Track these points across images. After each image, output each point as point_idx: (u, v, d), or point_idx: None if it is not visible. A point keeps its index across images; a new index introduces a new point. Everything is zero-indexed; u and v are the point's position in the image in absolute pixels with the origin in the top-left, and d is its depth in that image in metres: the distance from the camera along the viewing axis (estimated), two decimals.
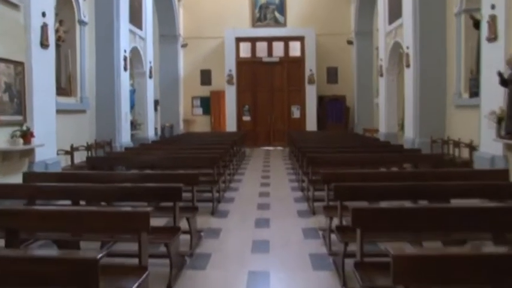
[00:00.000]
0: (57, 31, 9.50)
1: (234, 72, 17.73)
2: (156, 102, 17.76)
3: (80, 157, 9.84)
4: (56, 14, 9.31)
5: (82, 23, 10.24)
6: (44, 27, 7.42)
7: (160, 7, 17.28)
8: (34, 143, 7.08)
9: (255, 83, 18.02)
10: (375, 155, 7.28)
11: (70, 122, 9.82)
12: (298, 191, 8.13)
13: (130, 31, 12.44)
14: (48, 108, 7.60)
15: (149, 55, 14.26)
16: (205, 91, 19.14)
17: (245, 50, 17.98)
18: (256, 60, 17.96)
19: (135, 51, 13.31)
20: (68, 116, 9.74)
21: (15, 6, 6.87)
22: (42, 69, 7.39)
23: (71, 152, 9.08)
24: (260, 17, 18.63)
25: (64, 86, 9.93)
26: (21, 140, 6.74)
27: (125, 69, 11.68)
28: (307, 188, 7.25)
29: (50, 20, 7.68)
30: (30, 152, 7.13)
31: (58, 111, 8.93)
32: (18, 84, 6.88)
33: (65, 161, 9.07)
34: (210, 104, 19.09)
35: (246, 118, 18.15)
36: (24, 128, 6.76)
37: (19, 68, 6.91)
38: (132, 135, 13.11)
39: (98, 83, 11.08)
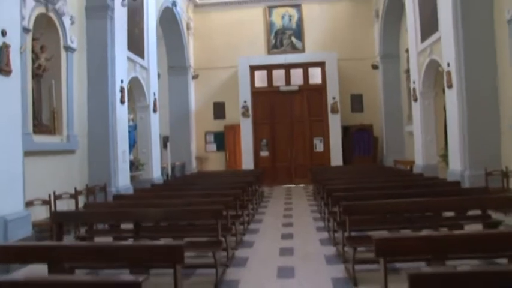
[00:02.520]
0: (37, 58, 8.13)
1: (249, 104, 16.20)
2: (166, 139, 16.37)
3: (67, 206, 8.30)
4: (35, 39, 7.97)
5: (69, 49, 8.84)
6: (3, 49, 5.96)
7: (168, 36, 16.06)
8: None
9: (273, 114, 16.42)
10: (424, 200, 5.42)
11: (54, 164, 8.30)
12: (329, 245, 6.34)
13: (129, 59, 11.06)
14: (9, 151, 6.05)
15: (153, 86, 12.83)
16: (219, 125, 17.62)
17: (261, 79, 16.47)
18: (273, 89, 16.41)
19: (136, 82, 11.91)
20: (51, 157, 8.23)
21: None
22: (1, 100, 5.89)
23: (49, 201, 7.49)
24: (276, 44, 17.23)
25: (46, 122, 8.45)
26: None
27: (122, 102, 10.21)
28: (343, 251, 5.48)
29: (14, 40, 6.24)
30: None
31: (36, 153, 7.52)
32: None
33: (45, 213, 7.51)
34: (224, 140, 17.51)
35: (264, 153, 16.46)
36: None
37: None
38: (133, 177, 11.56)
39: (89, 118, 9.61)
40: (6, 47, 6.00)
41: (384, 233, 5.66)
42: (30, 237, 6.28)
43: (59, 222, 5.22)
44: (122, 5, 9.23)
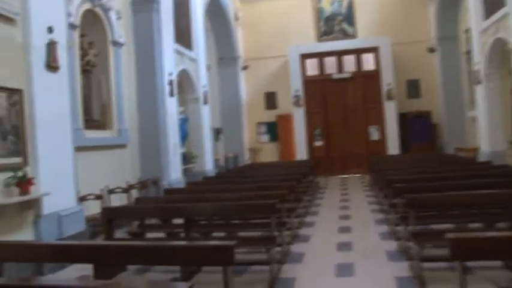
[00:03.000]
0: (86, 54, 8.13)
1: (301, 93, 15.77)
2: (219, 131, 16.28)
3: (120, 200, 8.30)
4: (83, 36, 7.96)
5: (116, 44, 8.81)
6: (50, 46, 5.92)
7: (216, 27, 15.87)
8: (39, 191, 5.52)
9: (326, 103, 15.91)
10: (497, 192, 4.83)
11: (105, 159, 8.31)
12: (391, 240, 5.90)
13: (178, 51, 10.94)
14: (60, 146, 6.03)
15: (203, 78, 12.69)
16: (271, 116, 17.31)
17: (312, 67, 15.99)
18: (325, 77, 15.89)
19: (185, 75, 11.81)
20: (103, 152, 8.24)
21: (8, 20, 5.43)
22: (49, 97, 5.87)
23: (102, 196, 7.48)
24: (326, 30, 16.63)
25: (97, 117, 8.47)
26: (16, 190, 5.18)
27: (171, 94, 10.11)
28: (407, 247, 5.04)
29: (61, 36, 6.19)
30: (35, 204, 5.56)
31: (88, 148, 7.53)
32: (13, 117, 5.37)
33: (98, 207, 7.51)
34: (276, 130, 17.19)
35: (318, 143, 16.00)
36: (20, 173, 5.19)
37: (15, 96, 5.40)
38: (186, 170, 11.51)
39: (140, 112, 9.57)
40: (53, 43, 5.95)
41: (450, 227, 5.20)
42: (84, 232, 6.27)
43: (109, 218, 5.11)
44: None
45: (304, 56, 15.86)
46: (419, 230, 4.38)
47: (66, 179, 6.09)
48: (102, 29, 8.53)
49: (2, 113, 5.20)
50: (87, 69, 8.16)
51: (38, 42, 5.76)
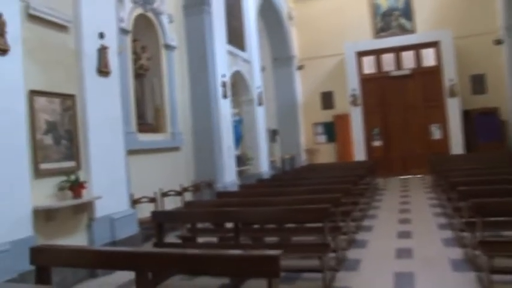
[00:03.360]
0: (139, 59, 8.22)
1: (358, 92, 15.29)
2: (275, 132, 16.14)
3: (174, 203, 8.32)
4: (136, 40, 8.05)
5: (169, 47, 8.86)
6: (101, 51, 5.98)
7: (270, 28, 15.72)
8: (92, 194, 5.58)
9: (384, 101, 15.32)
10: None
11: (160, 162, 8.36)
12: (455, 247, 5.47)
13: (230, 53, 10.89)
14: (112, 150, 6.08)
15: (257, 79, 12.59)
16: (327, 116, 16.92)
17: (369, 65, 15.46)
18: (383, 75, 15.32)
19: (239, 76, 11.75)
20: (157, 155, 8.29)
21: (62, 28, 5.52)
22: (100, 101, 5.93)
23: (155, 199, 7.51)
24: (383, 26, 16.02)
25: (151, 121, 8.54)
26: (69, 193, 5.25)
27: (225, 96, 10.06)
28: (474, 256, 4.63)
29: (112, 41, 6.25)
30: (88, 207, 5.62)
31: (142, 151, 7.60)
32: (67, 122, 5.45)
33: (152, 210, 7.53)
34: (334, 130, 16.79)
35: (377, 143, 15.44)
36: (73, 177, 5.25)
37: (68, 102, 5.49)
38: (241, 172, 11.43)
39: (193, 114, 9.59)
40: (104, 49, 6.02)
41: None
42: (137, 236, 6.29)
43: (158, 221, 5.06)
44: None
45: (361, 54, 15.37)
46: (487, 237, 3.98)
47: (118, 183, 6.12)
48: (154, 33, 8.61)
49: (56, 118, 5.29)
50: (140, 73, 8.25)
51: (90, 48, 5.83)
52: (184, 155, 9.26)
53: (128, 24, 7.61)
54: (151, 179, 7.90)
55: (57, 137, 5.28)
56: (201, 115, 9.57)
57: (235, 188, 9.69)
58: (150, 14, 8.39)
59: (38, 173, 4.97)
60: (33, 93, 5.00)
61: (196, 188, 9.04)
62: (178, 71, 9.31)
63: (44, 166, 5.04)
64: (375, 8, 16.04)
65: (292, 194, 6.41)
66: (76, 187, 5.19)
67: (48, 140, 5.15)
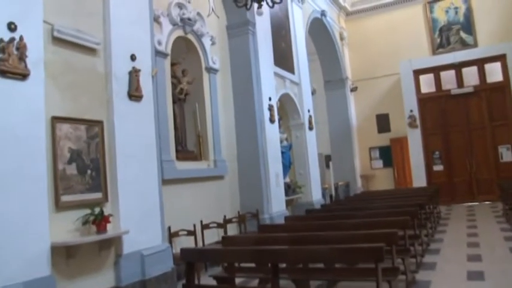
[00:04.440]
0: (179, 83, 7.87)
1: (416, 113, 14.29)
2: (328, 158, 15.36)
3: (217, 235, 7.78)
4: (175, 64, 7.71)
5: (211, 70, 8.47)
6: (133, 74, 5.61)
7: (321, 49, 15.14)
8: (120, 228, 5.12)
9: (445, 122, 14.19)
10: None
11: (201, 192, 7.87)
12: None
13: (278, 75, 10.38)
14: (144, 180, 5.62)
15: (307, 102, 11.97)
16: (384, 139, 15.96)
17: (427, 84, 14.43)
18: (442, 93, 14.22)
19: (287, 99, 11.19)
20: (198, 185, 7.81)
21: (89, 50, 5.20)
22: (131, 127, 5.52)
23: (194, 232, 6.98)
24: (442, 42, 14.98)
25: (191, 148, 8.11)
26: (94, 228, 4.81)
27: (272, 120, 9.51)
28: None
29: (145, 64, 5.87)
30: (114, 242, 5.16)
31: (181, 181, 7.16)
32: (93, 150, 5.06)
33: (192, 244, 7.01)
34: (391, 155, 15.78)
35: (438, 167, 14.24)
36: (97, 210, 4.81)
37: (95, 128, 5.11)
38: (290, 201, 10.76)
39: (238, 140, 9.08)
40: (135, 71, 5.65)
41: None
42: (170, 273, 5.75)
43: (188, 261, 4.49)
44: (258, 13, 8.60)
45: (418, 72, 14.39)
46: None
47: (150, 215, 5.64)
48: (195, 56, 8.26)
49: (81, 146, 4.91)
50: (180, 98, 7.87)
51: (120, 70, 5.48)
52: (228, 184, 8.73)
53: (166, 47, 7.29)
54: (191, 210, 7.41)
55: (82, 167, 4.89)
56: (246, 141, 9.05)
57: (283, 219, 9.04)
58: (190, 36, 8.05)
59: (59, 206, 4.56)
60: (56, 120, 4.65)
61: (240, 219, 8.46)
62: (222, 95, 8.91)
63: (65, 198, 4.64)
64: (432, 23, 15.04)
65: (343, 227, 5.69)
66: (100, 221, 4.74)
67: (71, 169, 4.76)
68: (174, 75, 7.82)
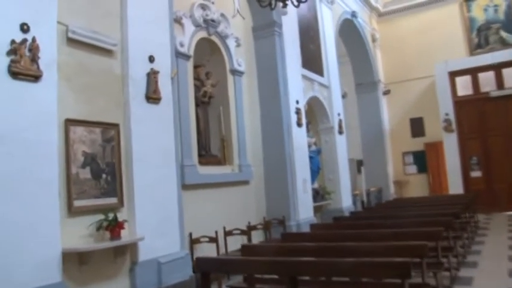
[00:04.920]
0: (202, 85, 7.70)
1: (452, 116, 13.69)
2: (360, 163, 14.93)
3: (241, 242, 7.53)
4: (198, 66, 7.55)
5: (236, 72, 8.28)
6: (151, 76, 5.46)
7: (352, 51, 14.73)
8: (136, 234, 4.96)
9: (483, 126, 13.51)
10: None
11: (225, 198, 7.66)
12: None
13: (306, 77, 10.10)
14: (162, 185, 5.45)
15: (337, 106, 11.62)
16: (418, 144, 15.39)
17: (464, 86, 13.80)
18: (481, 96, 13.56)
19: (316, 103, 10.88)
20: (222, 190, 7.61)
21: (105, 51, 5.08)
22: (149, 131, 5.36)
23: (216, 238, 6.76)
24: (480, 42, 14.32)
25: (215, 152, 7.92)
26: (107, 234, 4.66)
27: (299, 124, 9.23)
28: None
29: (164, 66, 5.72)
30: (130, 249, 4.99)
31: (204, 186, 6.98)
32: (109, 153, 4.92)
33: (214, 251, 6.79)
34: (425, 160, 15.19)
35: (475, 174, 13.57)
36: (111, 215, 4.66)
37: (111, 131, 4.98)
38: (319, 208, 10.43)
39: (264, 145, 8.84)
40: (154, 73, 5.50)
41: None
42: (189, 282, 5.55)
43: (203, 271, 4.27)
44: (282, 13, 8.39)
45: (454, 74, 13.77)
46: None
47: (168, 222, 5.46)
48: (220, 58, 8.09)
49: (96, 149, 4.78)
50: (203, 101, 7.70)
51: (137, 72, 5.34)
52: (253, 189, 8.50)
53: (189, 49, 7.13)
54: (214, 216, 7.20)
55: (97, 171, 4.75)
56: (272, 145, 8.79)
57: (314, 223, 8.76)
58: (214, 38, 7.88)
59: (72, 211, 4.43)
60: (70, 122, 4.54)
61: (266, 226, 8.21)
62: (248, 98, 8.70)
63: (79, 203, 4.51)
64: (469, 23, 14.41)
65: (371, 238, 5.34)
66: (114, 227, 4.58)
67: (85, 173, 4.63)
68: (197, 78, 7.66)
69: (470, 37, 14.38)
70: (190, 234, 6.58)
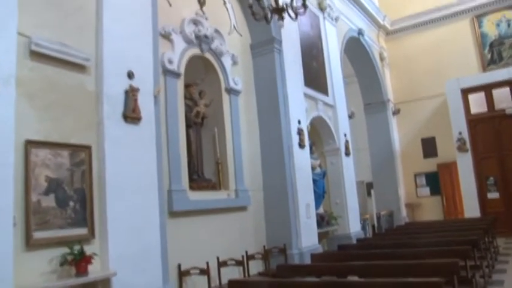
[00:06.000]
0: (195, 105, 7.24)
1: (466, 135, 13.01)
2: (369, 186, 14.29)
3: (238, 273, 6.96)
4: (189, 85, 7.11)
5: (232, 91, 7.80)
6: (129, 93, 4.99)
7: (359, 70, 14.24)
8: (108, 269, 4.41)
9: (499, 144, 12.76)
10: None
11: (219, 225, 7.08)
12: None
13: (309, 96, 9.59)
14: (141, 213, 4.91)
15: (343, 126, 11.04)
16: (430, 165, 14.67)
17: (478, 103, 13.13)
18: (495, 113, 12.86)
19: (321, 123, 10.34)
20: (216, 216, 7.04)
21: (79, 67, 4.64)
22: (126, 153, 4.86)
23: (207, 270, 6.17)
24: (493, 58, 13.71)
25: (209, 176, 7.39)
26: (73, 270, 4.12)
27: (301, 146, 8.68)
28: None
29: (145, 83, 5.26)
30: (103, 285, 4.43)
31: (196, 212, 6.49)
32: (78, 179, 4.42)
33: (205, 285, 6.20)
34: (439, 181, 14.46)
35: (493, 195, 12.76)
36: (76, 248, 4.12)
37: (81, 154, 4.48)
38: (325, 234, 9.79)
39: (263, 168, 8.31)
40: (133, 90, 5.03)
41: None
42: None
43: None
44: (279, 26, 7.93)
45: (467, 91, 13.13)
46: None
47: (148, 254, 4.90)
48: (215, 76, 7.62)
49: (62, 174, 4.28)
50: (196, 122, 7.22)
51: (113, 89, 4.87)
52: (251, 215, 7.92)
53: (179, 66, 6.67)
54: (207, 245, 6.64)
55: (63, 198, 4.24)
56: (273, 168, 8.26)
57: (318, 251, 8.15)
58: (208, 55, 7.44)
59: (30, 244, 3.91)
60: (31, 144, 4.06)
61: (265, 255, 7.60)
62: (245, 118, 8.19)
63: (39, 235, 3.99)
64: (481, 39, 13.83)
65: (377, 272, 4.76)
66: (78, 261, 4.04)
67: (48, 201, 4.12)
68: (190, 97, 7.20)
69: (483, 53, 13.78)
70: (179, 266, 6.02)
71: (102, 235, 4.51)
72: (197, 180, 6.96)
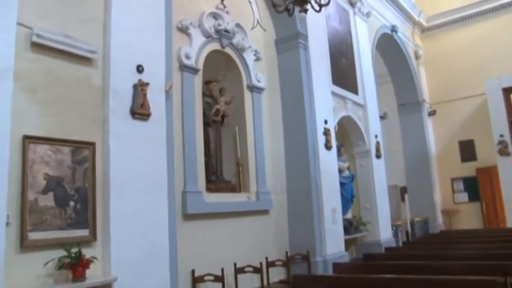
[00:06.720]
0: (215, 102, 6.95)
1: (507, 138, 12.24)
2: (403, 190, 13.64)
3: (257, 281, 6.59)
4: (209, 82, 6.82)
5: (255, 89, 7.46)
6: (138, 88, 4.73)
7: (393, 69, 13.63)
8: (109, 274, 4.14)
9: None
10: None
11: (238, 229, 6.75)
12: None
13: (337, 95, 9.14)
14: (148, 215, 4.63)
15: (374, 127, 10.50)
16: (468, 169, 13.90)
17: None
18: None
19: (350, 123, 9.87)
20: (235, 220, 6.71)
21: (84, 60, 4.40)
22: (133, 151, 4.58)
23: (222, 277, 5.84)
24: None
25: (229, 178, 7.07)
26: (69, 274, 3.86)
27: (328, 147, 8.25)
28: None
29: (156, 77, 4.99)
30: None
31: (213, 215, 6.20)
32: (80, 177, 4.17)
33: None
34: (478, 187, 13.69)
35: None
36: (73, 251, 3.87)
37: (84, 151, 4.23)
38: (353, 241, 9.32)
39: (287, 169, 7.92)
40: (142, 85, 4.76)
41: None
42: None
43: None
44: (301, 17, 7.56)
45: (509, 90, 12.34)
46: None
47: (155, 258, 4.61)
48: (237, 73, 7.31)
49: (63, 172, 4.04)
50: (215, 120, 6.92)
51: (121, 83, 4.61)
52: (273, 219, 7.54)
53: (197, 62, 6.39)
54: (224, 250, 6.31)
55: (63, 197, 4.00)
56: (297, 170, 7.85)
57: (345, 260, 7.72)
58: (229, 51, 7.13)
59: (25, 245, 3.68)
60: (29, 140, 3.84)
61: (286, 262, 7.21)
62: (269, 117, 7.85)
63: (35, 235, 3.76)
64: None
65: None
66: (74, 265, 3.79)
67: (47, 200, 3.88)
68: (210, 95, 6.92)
69: None
70: (193, 272, 5.72)
71: (104, 237, 4.25)
72: (215, 182, 6.66)
